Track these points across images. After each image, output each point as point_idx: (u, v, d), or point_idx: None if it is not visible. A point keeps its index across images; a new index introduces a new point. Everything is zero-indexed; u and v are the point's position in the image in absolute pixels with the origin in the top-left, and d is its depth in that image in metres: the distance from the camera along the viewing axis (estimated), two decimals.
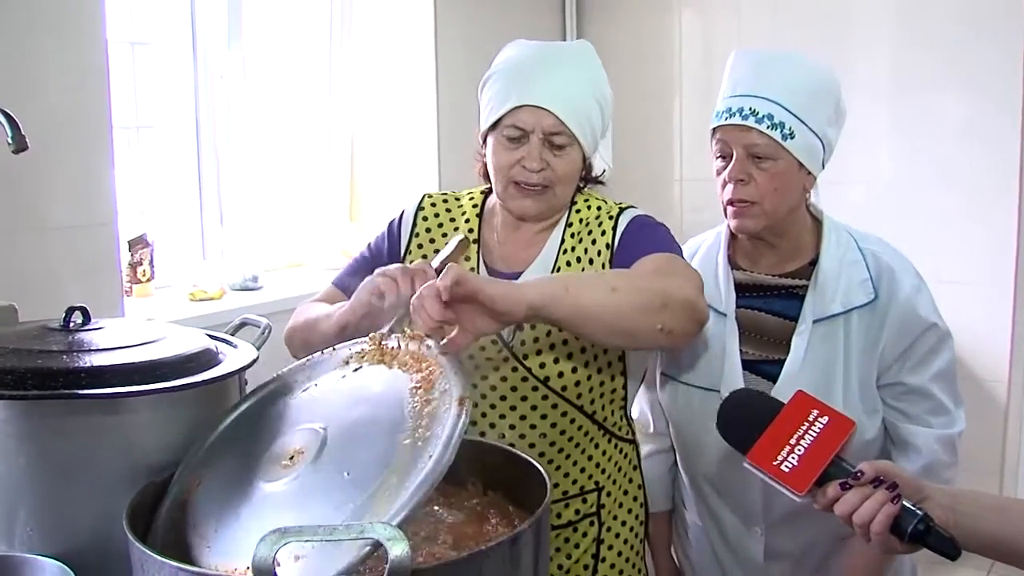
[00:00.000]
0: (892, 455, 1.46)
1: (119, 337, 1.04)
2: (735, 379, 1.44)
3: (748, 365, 1.46)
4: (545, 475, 0.98)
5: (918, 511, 0.97)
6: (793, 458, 1.01)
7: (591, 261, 1.38)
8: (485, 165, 1.41)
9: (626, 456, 1.46)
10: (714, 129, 1.44)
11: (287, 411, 1.00)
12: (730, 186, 1.41)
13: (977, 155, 2.85)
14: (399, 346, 1.01)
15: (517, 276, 1.37)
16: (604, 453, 1.42)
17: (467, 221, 1.45)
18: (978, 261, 2.88)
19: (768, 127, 1.37)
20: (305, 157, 3.01)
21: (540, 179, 1.33)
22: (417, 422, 0.88)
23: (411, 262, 1.34)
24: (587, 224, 1.41)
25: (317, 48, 3.00)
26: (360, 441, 0.89)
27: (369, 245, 1.49)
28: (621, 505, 1.46)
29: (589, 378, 1.35)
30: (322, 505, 0.83)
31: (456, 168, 2.95)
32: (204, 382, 1.00)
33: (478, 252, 1.41)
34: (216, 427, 1.03)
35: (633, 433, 1.48)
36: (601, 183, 1.46)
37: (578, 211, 1.42)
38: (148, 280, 2.47)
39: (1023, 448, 2.96)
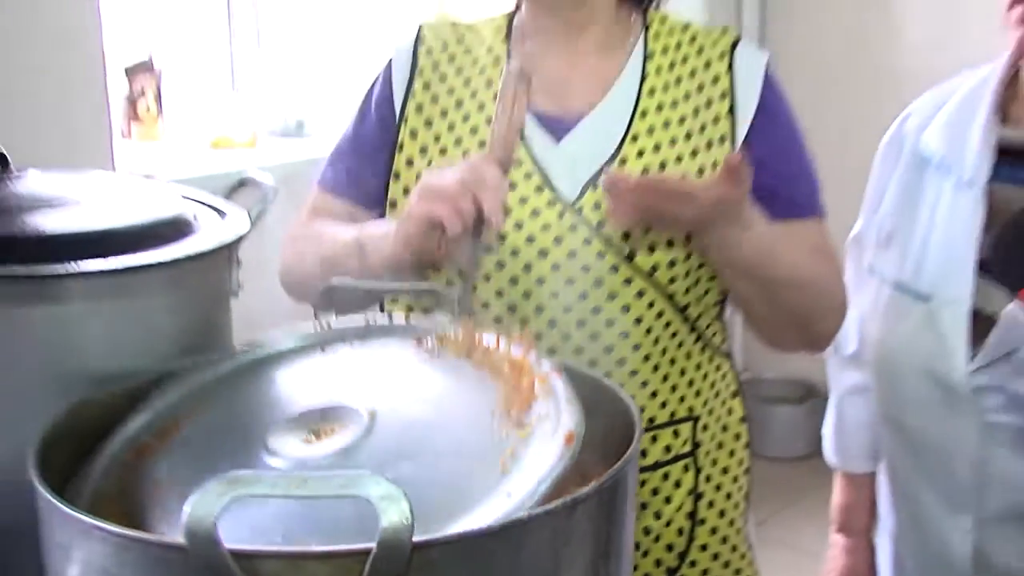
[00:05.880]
0: None
1: (50, 192, 0.80)
2: (962, 285, 1.11)
3: (986, 268, 1.12)
4: (634, 411, 0.73)
5: None
6: None
7: (696, 112, 1.09)
8: None
9: (723, 376, 1.17)
10: None
11: (311, 371, 0.80)
12: None
13: None
14: (496, 345, 0.78)
15: (578, 119, 1.09)
16: (699, 368, 1.13)
17: (491, 50, 1.13)
18: None
19: None
20: None
21: None
22: (500, 447, 0.67)
23: (417, 108, 1.11)
24: (680, 51, 1.12)
25: None
26: (416, 448, 0.68)
27: (357, 115, 1.19)
28: (721, 446, 1.16)
29: (689, 261, 1.08)
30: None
31: None
32: (166, 263, 0.76)
33: None
34: (207, 369, 0.81)
35: (728, 344, 1.20)
36: None
37: (657, 36, 1.13)
38: (154, 119, 2.15)
39: None
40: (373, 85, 1.18)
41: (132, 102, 2.09)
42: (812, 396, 2.93)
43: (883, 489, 1.31)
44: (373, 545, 0.53)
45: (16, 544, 0.69)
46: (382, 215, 1.13)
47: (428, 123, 1.12)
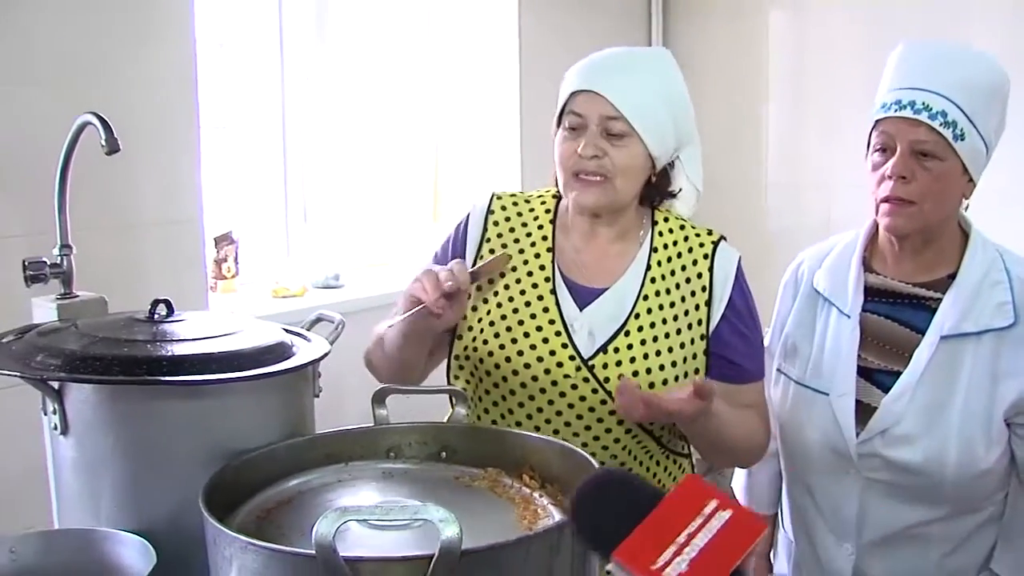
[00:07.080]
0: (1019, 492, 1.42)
1: (200, 328, 1.11)
2: (847, 384, 1.44)
3: (863, 372, 1.44)
4: (596, 466, 1.01)
5: None
6: (682, 563, 0.73)
7: (683, 299, 1.39)
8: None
9: (682, 469, 1.49)
10: (877, 121, 1.39)
11: (381, 488, 1.09)
12: (888, 182, 1.36)
13: None
14: (511, 483, 1.09)
15: (598, 293, 1.38)
16: (666, 470, 1.45)
17: (540, 227, 1.44)
18: None
19: (940, 124, 1.32)
20: (389, 157, 3.09)
21: (595, 167, 1.34)
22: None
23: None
24: (676, 247, 1.42)
25: (403, 47, 3.07)
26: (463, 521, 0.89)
27: (436, 253, 1.50)
28: None
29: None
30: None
31: (538, 170, 2.96)
32: (278, 372, 1.06)
33: (553, 261, 1.41)
34: (308, 474, 1.10)
35: (689, 448, 1.50)
36: (672, 196, 1.46)
37: (660, 234, 1.43)
38: (232, 276, 2.59)
39: None
40: (456, 228, 1.47)
41: (218, 264, 2.51)
42: (712, 471, 3.59)
43: (787, 523, 1.62)
44: (435, 552, 0.78)
45: (189, 558, 0.96)
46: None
47: (491, 280, 1.40)
